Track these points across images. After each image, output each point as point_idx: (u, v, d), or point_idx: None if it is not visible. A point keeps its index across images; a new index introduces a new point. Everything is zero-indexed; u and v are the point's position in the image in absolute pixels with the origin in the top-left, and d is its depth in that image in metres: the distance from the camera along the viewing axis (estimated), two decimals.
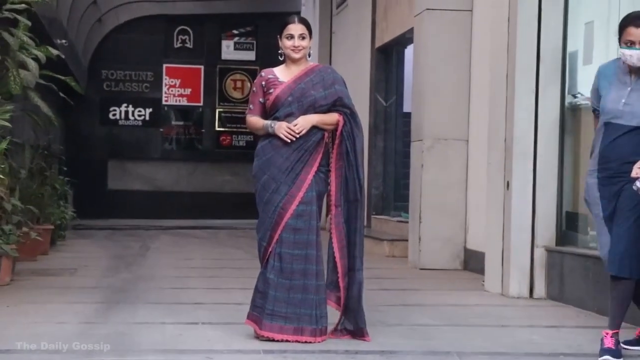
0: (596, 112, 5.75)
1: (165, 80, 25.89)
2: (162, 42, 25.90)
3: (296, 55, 5.96)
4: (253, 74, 24.53)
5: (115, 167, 25.81)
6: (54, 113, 10.44)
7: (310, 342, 5.74)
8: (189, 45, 26.10)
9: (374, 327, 6.15)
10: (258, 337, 5.83)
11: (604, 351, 5.44)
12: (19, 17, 9.39)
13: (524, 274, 8.25)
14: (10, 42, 9.09)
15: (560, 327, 6.70)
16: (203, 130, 26.19)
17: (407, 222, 11.70)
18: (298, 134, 5.83)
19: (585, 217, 7.91)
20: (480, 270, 9.28)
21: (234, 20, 26.07)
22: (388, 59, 14.86)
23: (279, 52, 6.04)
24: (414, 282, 9.57)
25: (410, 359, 5.47)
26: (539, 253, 8.23)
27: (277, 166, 5.86)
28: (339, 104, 5.95)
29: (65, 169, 17.04)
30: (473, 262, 10.33)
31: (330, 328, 5.94)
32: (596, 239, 5.76)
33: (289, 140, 5.83)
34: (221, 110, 26.17)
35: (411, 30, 11.93)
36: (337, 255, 5.93)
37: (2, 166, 8.85)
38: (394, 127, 14.73)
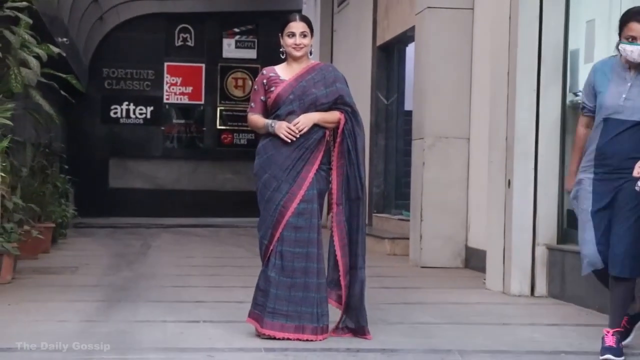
0: (585, 109, 5.71)
1: (167, 78, 25.89)
2: (163, 40, 25.90)
3: (297, 53, 5.96)
4: (254, 72, 24.52)
5: (116, 165, 25.81)
6: (55, 111, 10.43)
7: (311, 341, 5.74)
8: (190, 43, 26.10)
9: (375, 325, 6.15)
10: (259, 335, 5.83)
11: (605, 350, 5.43)
12: (20, 15, 9.39)
13: (525, 272, 8.25)
14: (11, 40, 9.09)
15: (562, 325, 6.70)
16: (204, 129, 26.18)
17: (408, 220, 11.70)
18: (299, 133, 5.83)
19: None
20: (482, 269, 9.28)
21: (235, 19, 26.07)
22: (389, 57, 14.86)
23: (280, 50, 6.04)
24: (415, 281, 9.56)
25: (411, 357, 5.47)
26: (540, 251, 8.23)
27: (278, 164, 5.87)
28: (340, 102, 5.95)
29: (66, 167, 17.06)
30: (474, 260, 10.33)
31: (331, 326, 5.95)
32: (578, 236, 5.67)
33: (289, 141, 5.83)
34: (222, 108, 26.17)
35: (412, 29, 11.93)
36: (338, 253, 5.94)
37: (4, 164, 8.85)
38: (395, 125, 14.73)
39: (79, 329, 6.17)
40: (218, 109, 26.14)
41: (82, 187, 19.88)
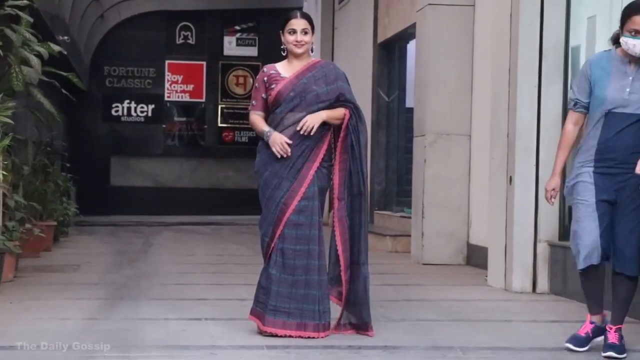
0: (577, 105, 5.56)
1: (168, 76, 25.90)
2: (164, 38, 25.91)
3: (299, 50, 5.95)
4: (255, 70, 24.52)
5: (117, 163, 25.83)
6: (57, 109, 10.44)
7: (313, 338, 5.74)
8: (191, 41, 26.10)
9: (377, 322, 6.15)
10: (261, 332, 5.83)
11: (608, 347, 5.43)
12: (21, 13, 9.38)
13: (526, 269, 8.25)
14: (12, 38, 9.08)
15: (563, 322, 6.70)
16: (205, 127, 26.20)
17: (409, 217, 11.71)
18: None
19: None
20: (483, 266, 9.28)
21: (236, 16, 26.08)
22: (390, 54, 14.86)
23: (281, 47, 6.04)
24: (416, 278, 9.57)
25: (413, 354, 5.47)
26: (542, 248, 8.23)
27: (278, 162, 5.86)
28: (343, 100, 5.94)
29: (67, 165, 17.07)
30: (476, 257, 10.33)
31: (332, 324, 5.94)
32: (574, 229, 5.48)
33: (279, 156, 5.82)
34: (223, 106, 26.18)
35: (413, 26, 11.93)
36: (339, 248, 5.93)
37: (5, 163, 8.85)
38: (396, 122, 14.73)
39: (81, 327, 6.17)
40: (219, 107, 26.15)
41: (83, 185, 19.92)
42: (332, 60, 16.75)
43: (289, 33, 5.96)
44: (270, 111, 5.98)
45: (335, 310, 6.00)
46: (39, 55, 9.45)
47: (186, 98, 26.07)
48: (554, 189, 5.69)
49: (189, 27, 26.05)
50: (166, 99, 25.96)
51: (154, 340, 5.73)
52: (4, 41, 9.02)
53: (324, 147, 5.92)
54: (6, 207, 9.00)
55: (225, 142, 26.14)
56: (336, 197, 5.95)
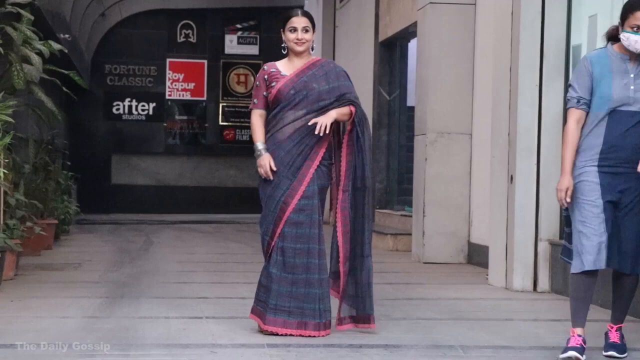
0: (580, 102, 5.36)
1: (169, 74, 25.89)
2: (166, 36, 25.90)
3: (299, 48, 5.95)
4: (256, 69, 24.50)
5: (118, 161, 25.82)
6: (58, 108, 10.44)
7: (314, 336, 5.74)
8: (192, 39, 26.09)
9: (378, 321, 6.14)
10: (262, 331, 5.83)
11: (610, 346, 5.42)
12: (22, 11, 9.39)
13: (527, 267, 8.25)
14: (13, 36, 9.09)
15: (564, 321, 6.68)
16: (206, 125, 26.19)
17: (410, 216, 11.71)
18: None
19: None
20: (484, 264, 9.28)
21: (238, 15, 26.06)
22: (391, 53, 14.85)
23: (282, 45, 6.03)
24: (417, 276, 9.57)
25: (414, 352, 5.47)
26: (543, 247, 8.23)
27: (278, 160, 5.86)
28: (346, 98, 5.93)
29: (69, 163, 17.08)
30: (477, 256, 10.33)
31: (332, 322, 5.94)
32: (579, 229, 5.30)
33: (262, 177, 5.87)
34: (225, 104, 26.17)
35: (414, 24, 11.93)
36: (340, 240, 5.93)
37: (6, 161, 8.86)
38: (398, 121, 14.72)
39: (82, 325, 6.17)
40: (220, 105, 26.14)
41: (84, 183, 19.92)
42: (334, 59, 16.76)
43: (290, 31, 5.95)
44: (270, 109, 5.98)
45: (335, 304, 5.99)
46: (40, 54, 9.46)
47: (187, 96, 26.06)
48: (567, 188, 5.39)
49: (190, 25, 26.04)
50: (167, 97, 25.95)
51: (154, 339, 5.73)
52: (5, 39, 9.02)
53: (325, 145, 5.92)
54: (7, 206, 9.01)
55: (226, 140, 26.13)
56: (341, 188, 5.94)
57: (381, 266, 9.79)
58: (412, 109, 12.42)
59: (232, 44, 26.17)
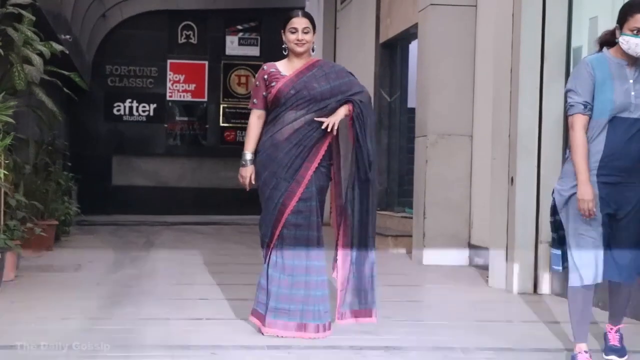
0: (586, 108, 5.17)
1: (170, 75, 25.88)
2: (166, 37, 25.88)
3: (300, 49, 5.95)
4: (257, 70, 24.36)
5: (119, 162, 25.81)
6: (58, 109, 10.44)
7: (314, 338, 5.74)
8: (193, 40, 26.08)
9: (379, 322, 6.14)
10: (262, 333, 5.83)
11: (610, 349, 5.41)
12: (23, 12, 9.40)
13: (528, 269, 8.25)
14: (14, 37, 9.09)
15: (565, 323, 6.68)
16: (207, 126, 26.17)
17: (411, 217, 11.70)
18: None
19: None
20: (485, 266, 9.27)
21: (239, 16, 26.06)
22: (392, 54, 14.85)
23: (283, 46, 6.04)
24: (418, 278, 9.56)
25: (414, 354, 5.47)
26: (543, 249, 8.22)
27: (277, 162, 5.86)
28: (350, 96, 5.92)
29: (69, 164, 17.08)
30: (477, 258, 10.33)
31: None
32: (576, 241, 5.17)
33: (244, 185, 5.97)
34: (225, 105, 26.16)
35: (415, 26, 11.92)
36: (340, 232, 5.92)
37: (7, 162, 8.86)
38: (398, 122, 14.72)
39: (83, 326, 6.17)
40: (221, 106, 26.13)
41: (85, 184, 19.89)
42: (334, 60, 16.76)
43: (290, 32, 5.96)
44: (270, 109, 5.99)
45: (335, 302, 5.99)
46: (40, 54, 9.46)
47: (188, 97, 26.05)
48: (593, 197, 5.11)
49: (191, 26, 26.03)
50: (168, 98, 25.93)
51: (155, 340, 5.73)
52: (5, 40, 9.03)
53: (324, 147, 5.92)
54: (7, 206, 9.01)
55: (227, 141, 26.12)
56: (343, 177, 5.93)
57: (381, 268, 9.74)
58: (412, 110, 12.42)
59: (233, 45, 26.16)
